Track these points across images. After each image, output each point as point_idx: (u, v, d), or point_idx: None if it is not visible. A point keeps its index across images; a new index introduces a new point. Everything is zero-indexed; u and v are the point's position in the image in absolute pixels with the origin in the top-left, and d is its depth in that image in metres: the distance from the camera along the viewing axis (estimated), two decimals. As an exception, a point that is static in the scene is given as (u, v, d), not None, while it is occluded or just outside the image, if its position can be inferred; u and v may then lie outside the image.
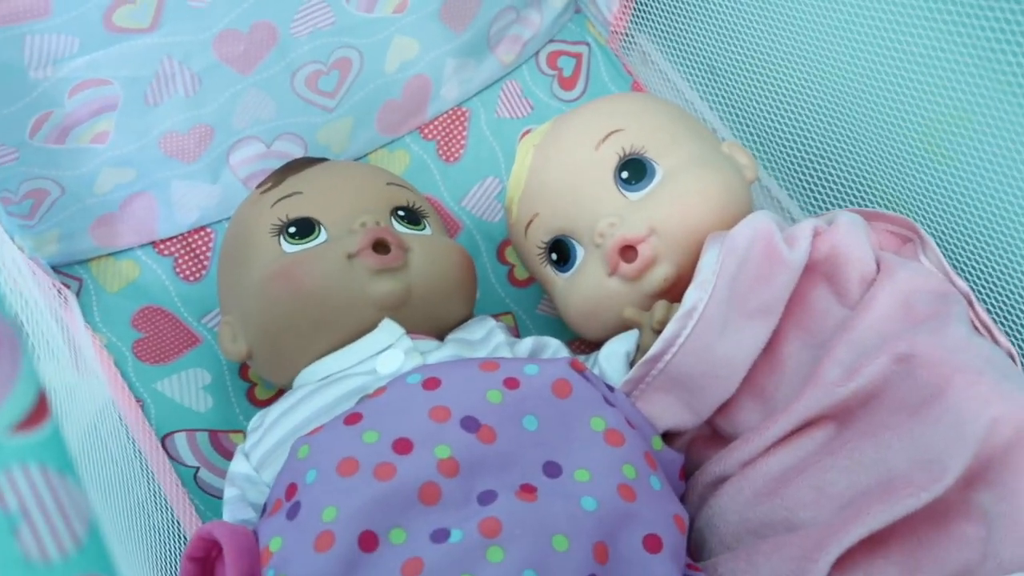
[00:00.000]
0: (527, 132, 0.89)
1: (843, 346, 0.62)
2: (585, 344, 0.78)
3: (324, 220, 0.69)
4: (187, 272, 0.82)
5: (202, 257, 0.82)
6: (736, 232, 0.64)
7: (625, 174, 0.69)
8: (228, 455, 0.72)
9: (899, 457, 0.58)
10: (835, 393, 0.60)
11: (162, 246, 0.82)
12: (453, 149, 0.89)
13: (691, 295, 0.63)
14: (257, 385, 0.78)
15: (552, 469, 0.57)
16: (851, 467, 0.59)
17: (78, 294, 0.79)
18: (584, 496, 0.55)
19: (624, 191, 0.69)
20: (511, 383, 0.60)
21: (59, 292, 0.74)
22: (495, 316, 0.83)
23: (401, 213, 0.72)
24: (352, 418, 0.58)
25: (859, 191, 0.75)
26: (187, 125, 0.76)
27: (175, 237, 0.82)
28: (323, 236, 0.69)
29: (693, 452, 0.67)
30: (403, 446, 0.56)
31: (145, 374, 0.76)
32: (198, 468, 0.73)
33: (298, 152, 0.82)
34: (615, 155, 0.70)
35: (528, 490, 0.55)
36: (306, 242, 0.68)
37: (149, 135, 0.75)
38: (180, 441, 0.74)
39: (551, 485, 0.56)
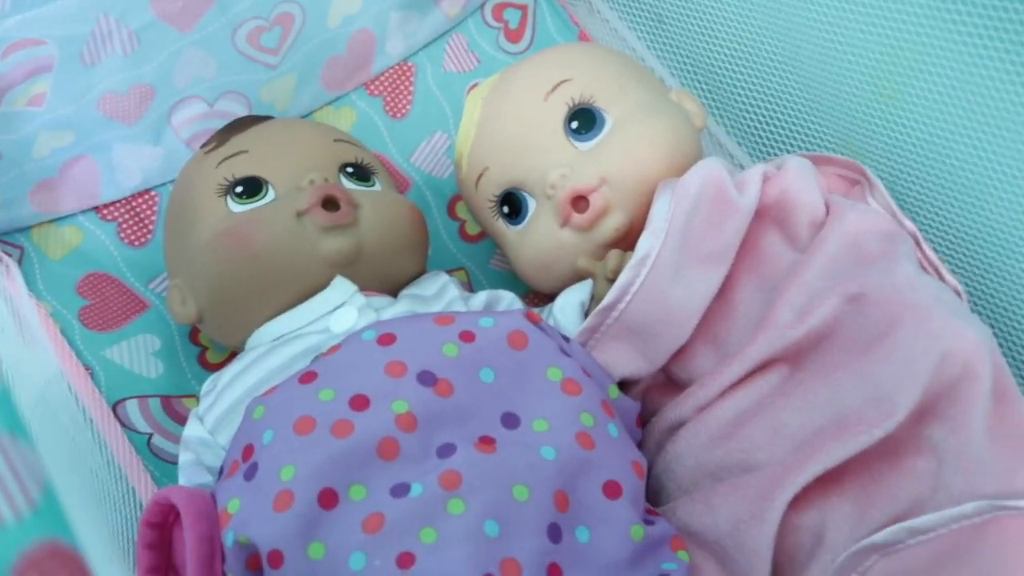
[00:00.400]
0: (474, 86, 0.88)
1: (794, 289, 0.62)
2: (539, 297, 0.78)
3: (271, 178, 0.68)
4: (132, 237, 0.80)
5: (147, 221, 0.81)
6: (687, 179, 0.64)
7: (575, 124, 0.69)
8: (181, 420, 0.71)
9: (851, 395, 0.58)
10: (787, 335, 0.61)
11: (105, 211, 0.80)
12: (400, 105, 0.88)
13: (644, 243, 0.63)
14: (208, 349, 0.77)
15: (510, 420, 0.57)
16: (804, 407, 0.59)
17: (20, 262, 0.77)
18: (543, 446, 0.56)
19: (574, 141, 0.69)
20: (467, 336, 0.60)
21: (0, 261, 0.72)
22: (448, 272, 0.83)
23: (350, 170, 0.71)
24: (307, 376, 0.58)
25: (807, 136, 0.75)
26: (126, 85, 0.74)
27: (118, 201, 0.80)
28: (271, 195, 0.68)
29: (649, 400, 0.67)
30: (360, 402, 0.56)
31: (93, 341, 0.75)
32: (151, 434, 0.72)
33: (242, 111, 0.80)
34: (564, 105, 0.69)
35: (487, 442, 0.55)
36: (253, 201, 0.67)
37: (87, 96, 0.73)
38: (132, 408, 0.73)
39: (510, 436, 0.56)
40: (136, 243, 0.80)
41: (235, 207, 0.67)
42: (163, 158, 0.79)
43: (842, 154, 0.72)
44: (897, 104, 0.67)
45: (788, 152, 0.77)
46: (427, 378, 0.57)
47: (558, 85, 0.70)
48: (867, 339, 0.60)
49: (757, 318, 0.64)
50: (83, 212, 0.79)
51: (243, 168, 0.68)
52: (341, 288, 0.65)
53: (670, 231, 0.62)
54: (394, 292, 0.69)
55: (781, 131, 0.77)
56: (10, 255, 0.76)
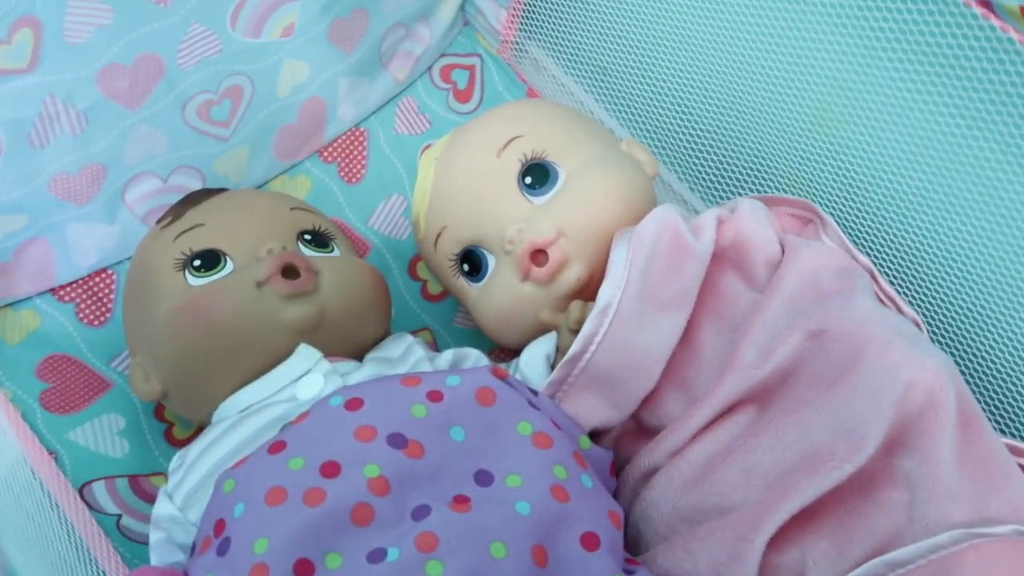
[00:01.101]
0: (427, 147, 0.88)
1: (756, 328, 0.63)
2: (505, 352, 0.78)
3: (229, 250, 0.67)
4: (91, 317, 0.79)
5: (105, 300, 0.79)
6: (642, 227, 0.65)
7: (529, 179, 0.69)
8: (150, 499, 0.69)
9: (820, 431, 0.58)
10: (753, 375, 0.61)
11: (62, 292, 0.79)
12: (355, 170, 0.88)
13: (605, 292, 0.63)
14: (175, 425, 0.76)
15: (484, 477, 0.57)
16: (775, 446, 0.59)
17: (-25, 349, 0.75)
18: (518, 501, 0.55)
19: (529, 196, 0.69)
20: (435, 396, 0.59)
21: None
22: (412, 332, 0.82)
23: (308, 237, 0.70)
24: (276, 447, 0.57)
25: (757, 178, 0.76)
26: (77, 165, 0.73)
27: (75, 282, 0.79)
28: (229, 267, 0.67)
29: (621, 448, 0.67)
30: (331, 469, 0.55)
31: (56, 425, 0.73)
32: (120, 515, 0.70)
33: (196, 185, 0.79)
34: (517, 161, 0.70)
35: (461, 501, 0.55)
36: (212, 274, 0.66)
37: (38, 178, 0.72)
38: (99, 490, 0.71)
39: (484, 493, 0.56)
40: (95, 323, 0.79)
41: (194, 281, 0.66)
42: (118, 236, 0.78)
43: (793, 194, 0.73)
44: (842, 142, 0.68)
45: (740, 195, 0.78)
46: (397, 440, 0.56)
47: (510, 142, 0.70)
48: (831, 374, 0.60)
49: (722, 360, 0.64)
50: (39, 295, 0.78)
51: (200, 241, 0.68)
52: (306, 355, 0.65)
53: (629, 279, 0.63)
54: (359, 356, 0.69)
55: (732, 174, 0.78)
56: (-34, 342, 0.75)
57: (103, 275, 0.80)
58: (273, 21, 0.77)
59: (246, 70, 0.78)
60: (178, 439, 0.75)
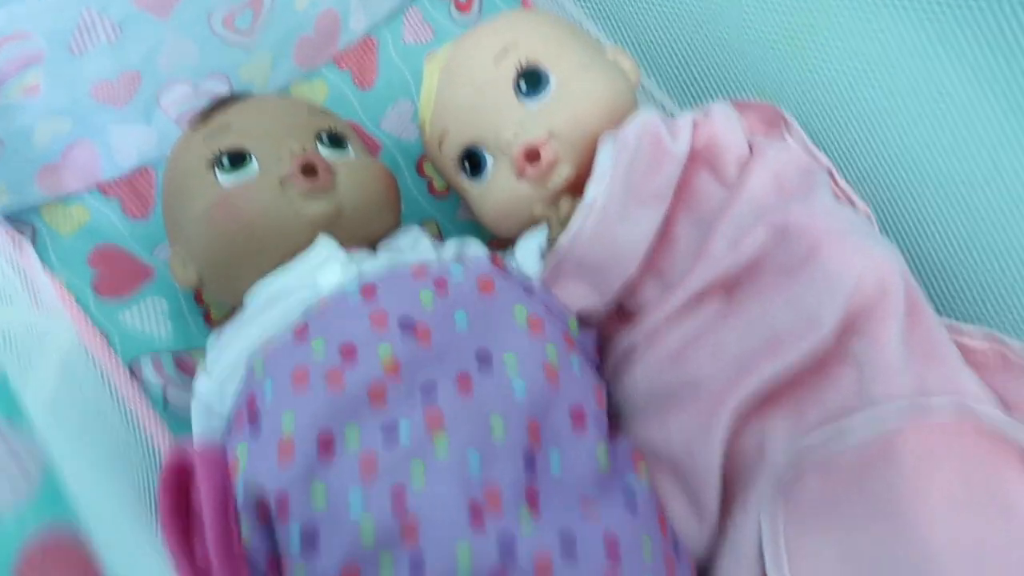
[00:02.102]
0: (431, 54, 0.83)
1: (726, 222, 0.60)
2: (502, 242, 0.75)
3: (254, 149, 0.64)
4: (134, 210, 0.76)
5: (146, 196, 0.76)
6: (626, 130, 0.61)
7: (523, 85, 0.65)
8: (191, 372, 0.68)
9: (782, 315, 0.57)
10: (721, 264, 0.59)
11: (107, 188, 0.75)
12: (366, 76, 0.83)
13: (591, 189, 0.60)
14: (212, 308, 0.73)
15: (483, 355, 0.55)
16: (741, 328, 0.58)
17: (33, 241, 0.72)
18: (514, 379, 0.53)
19: (524, 101, 0.65)
20: (440, 284, 0.57)
21: (12, 240, 0.68)
22: (420, 225, 0.80)
23: (324, 138, 0.67)
24: (300, 331, 0.55)
25: (730, 85, 0.72)
26: (115, 72, 0.69)
27: (118, 179, 0.75)
28: (254, 164, 0.64)
29: (605, 330, 0.65)
30: (348, 351, 0.53)
31: (106, 308, 0.71)
32: (165, 386, 0.69)
33: (224, 90, 0.75)
34: (513, 68, 0.65)
35: (464, 378, 0.53)
36: (238, 171, 0.63)
37: (80, 85, 0.68)
38: (146, 365, 0.69)
39: (484, 370, 0.54)
40: (138, 216, 0.75)
41: (223, 178, 0.63)
42: (156, 137, 0.74)
43: (760, 99, 0.69)
44: (808, 49, 0.64)
45: (713, 100, 0.74)
46: (407, 323, 0.54)
47: (506, 50, 0.66)
48: (793, 264, 0.58)
49: (695, 251, 0.61)
50: (88, 191, 0.75)
51: (228, 142, 0.64)
52: (325, 246, 0.62)
53: (613, 177, 0.60)
54: (373, 246, 0.66)
55: (706, 82, 0.74)
56: (24, 232, 0.72)
57: (143, 172, 0.76)
58: (287, -64, 0.72)
59: (265, -17, 0.73)
60: (215, 320, 0.73)
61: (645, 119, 0.62)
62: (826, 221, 0.57)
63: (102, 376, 0.64)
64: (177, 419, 0.67)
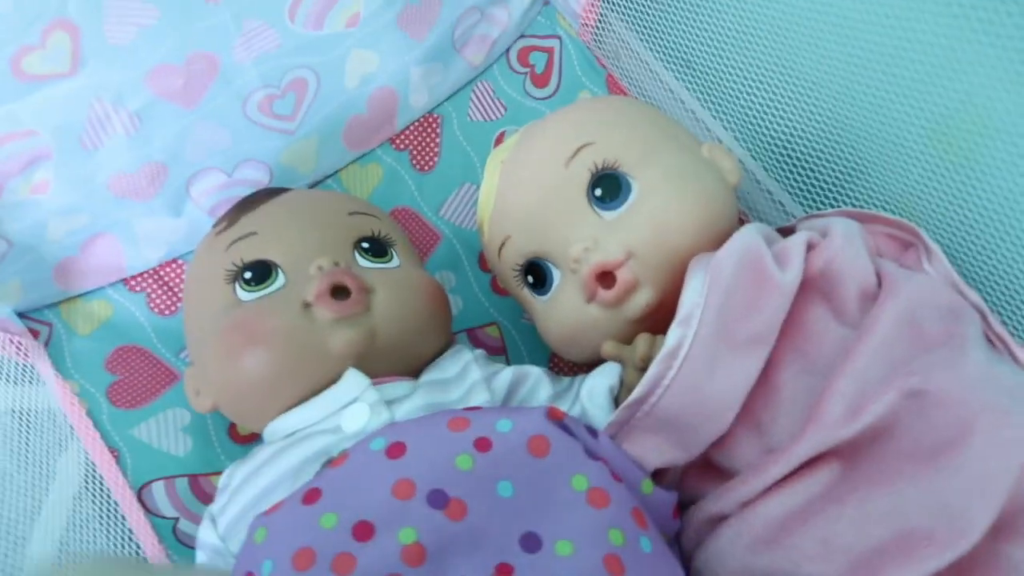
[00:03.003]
0: (503, 134, 0.74)
1: (845, 377, 0.48)
2: (568, 362, 0.64)
3: (281, 262, 0.55)
4: (161, 306, 0.68)
5: (175, 289, 0.68)
6: (721, 257, 0.50)
7: (599, 192, 0.55)
8: (209, 500, 0.59)
9: (916, 508, 0.45)
10: (838, 434, 0.47)
11: (132, 282, 0.68)
12: (427, 157, 0.74)
13: (674, 333, 0.48)
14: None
15: (530, 542, 0.44)
16: (861, 518, 0.46)
17: (48, 341, 0.65)
18: (567, 574, 0.42)
19: (598, 210, 0.55)
20: (483, 444, 0.46)
21: (18, 346, 0.61)
22: (480, 327, 0.70)
23: (365, 245, 0.57)
24: (310, 495, 0.45)
25: (856, 187, 0.60)
26: (135, 165, 0.61)
27: (145, 272, 0.68)
28: (280, 280, 0.55)
29: (687, 485, 0.53)
30: (364, 531, 0.43)
31: (121, 420, 0.63)
32: (177, 519, 0.60)
33: (262, 178, 0.67)
34: (587, 172, 0.55)
35: (504, 572, 0.42)
36: (262, 288, 0.54)
37: (96, 180, 0.61)
38: (158, 491, 0.61)
39: (530, 562, 0.43)
40: (166, 312, 0.68)
41: (244, 295, 0.55)
42: (186, 229, 0.67)
43: (894, 212, 0.56)
44: (960, 159, 0.51)
45: (834, 202, 0.61)
46: (438, 499, 0.44)
47: (580, 149, 0.55)
48: (933, 445, 0.45)
49: (804, 404, 0.50)
50: (111, 285, 0.67)
51: (252, 252, 0.56)
52: (354, 382, 0.52)
53: (703, 319, 0.48)
54: (415, 372, 0.56)
55: (827, 178, 0.61)
56: (39, 332, 0.65)
57: (173, 265, 0.69)
58: (336, 12, 0.63)
59: (310, 63, 0.64)
60: (242, 435, 0.64)
61: (746, 241, 0.50)
62: (980, 391, 0.45)
63: (109, 500, 0.56)
64: (186, 556, 0.59)
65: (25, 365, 0.62)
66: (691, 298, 0.49)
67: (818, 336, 0.51)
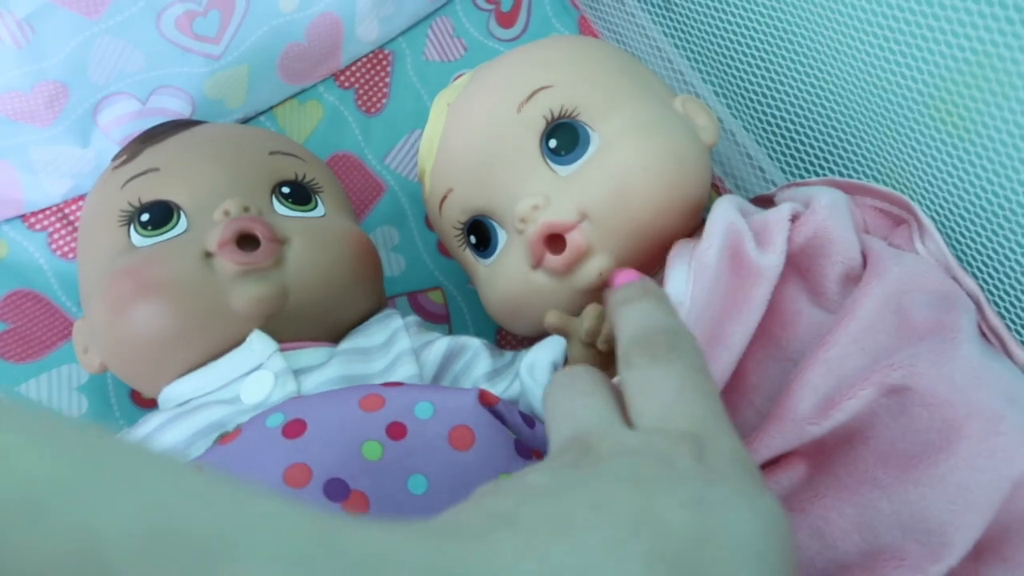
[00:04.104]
0: (460, 76, 0.66)
1: (818, 367, 0.42)
2: (514, 337, 0.58)
3: (184, 204, 0.48)
4: (65, 248, 0.61)
5: (82, 231, 0.61)
6: (705, 247, 0.44)
7: (553, 143, 0.48)
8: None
9: (887, 522, 0.40)
10: (806, 431, 0.41)
11: (33, 219, 0.61)
12: (375, 98, 0.67)
13: None
14: (140, 383, 0.58)
15: (444, 541, 0.38)
16: (825, 530, 0.41)
17: (-69, 281, 0.58)
18: None
19: (552, 164, 0.48)
20: (396, 431, 0.40)
21: None
22: (422, 291, 0.63)
23: (285, 190, 0.51)
24: (193, 475, 0.39)
25: (844, 154, 0.53)
26: (29, 82, 0.53)
27: (48, 209, 0.61)
28: (182, 225, 0.48)
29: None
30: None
31: (8, 374, 0.57)
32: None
33: (182, 108, 0.59)
34: (541, 119, 0.48)
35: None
36: (160, 234, 0.48)
37: (-19, 95, 0.53)
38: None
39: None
40: (70, 255, 0.61)
41: (138, 240, 0.48)
42: (95, 161, 0.59)
43: (885, 184, 0.50)
44: (961, 129, 0.44)
45: (819, 168, 0.55)
46: (337, 490, 0.38)
47: (535, 92, 0.49)
48: (912, 451, 0.40)
49: (770, 393, 0.44)
50: (7, 221, 0.60)
51: (152, 190, 0.49)
52: (258, 347, 0.46)
53: (688, 318, 0.42)
54: (337, 336, 0.50)
55: (813, 144, 0.55)
56: (-79, 271, 0.58)
57: (79, 202, 0.61)
58: (269, -81, 0.55)
59: (237, -23, 0.56)
60: (146, 400, 0.58)
61: (725, 225, 0.44)
62: (971, 391, 0.40)
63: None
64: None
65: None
66: (675, 291, 0.43)
67: (791, 319, 0.45)
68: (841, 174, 0.53)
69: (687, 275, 0.43)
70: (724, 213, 0.44)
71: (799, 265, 0.46)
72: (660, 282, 0.49)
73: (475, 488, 0.39)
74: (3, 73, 0.52)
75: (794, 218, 0.46)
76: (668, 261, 0.45)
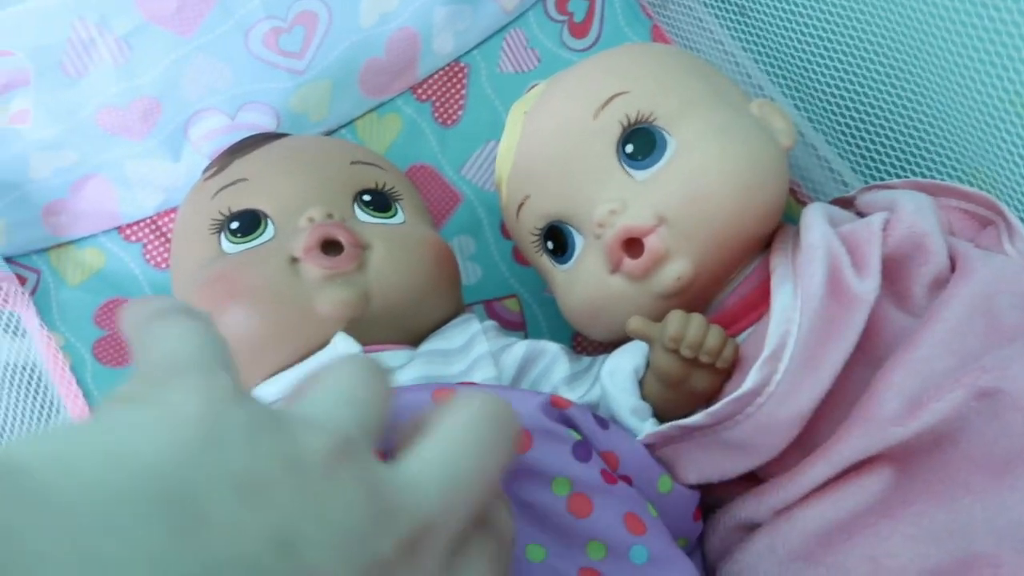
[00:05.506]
0: (534, 86, 0.67)
1: (903, 368, 0.41)
2: (592, 341, 0.58)
3: (271, 212, 0.50)
4: (158, 258, 0.63)
5: (173, 242, 0.63)
6: (809, 273, 0.43)
7: (630, 148, 0.48)
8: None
9: (982, 528, 0.38)
10: (891, 434, 0.40)
11: (128, 231, 0.63)
12: (450, 110, 0.68)
13: (759, 371, 0.42)
14: (228, 388, 0.60)
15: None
16: (917, 536, 0.40)
17: (35, 289, 0.61)
18: None
19: (629, 169, 0.48)
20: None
21: (5, 297, 0.56)
22: (498, 299, 0.64)
23: (366, 198, 0.52)
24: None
25: (926, 158, 0.52)
26: (125, 99, 0.56)
27: (142, 221, 0.63)
28: (269, 232, 0.49)
29: (713, 485, 0.47)
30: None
31: (105, 378, 0.59)
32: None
33: (268, 123, 0.61)
34: (618, 124, 0.48)
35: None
36: (249, 240, 0.49)
37: (81, 112, 0.56)
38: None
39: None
40: (163, 265, 0.63)
41: (228, 247, 0.49)
42: (186, 175, 0.61)
43: (970, 185, 0.49)
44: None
45: (901, 175, 0.54)
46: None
47: (611, 99, 0.49)
48: (1006, 455, 0.39)
49: (853, 399, 0.43)
50: (104, 232, 0.63)
51: (241, 200, 0.50)
52: (342, 349, 0.47)
53: (796, 349, 0.42)
54: (416, 340, 0.51)
55: (893, 149, 0.54)
56: (25, 279, 0.61)
57: (172, 215, 0.64)
58: (352, -62, 0.57)
59: (320, -7, 0.58)
60: (233, 402, 0.59)
61: (827, 248, 0.44)
62: (1068, 395, 0.38)
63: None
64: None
65: (11, 314, 0.58)
66: (780, 323, 0.42)
67: (876, 323, 0.44)
68: (922, 176, 0.52)
69: (794, 301, 0.43)
70: (820, 230, 0.44)
71: (887, 272, 0.45)
72: (735, 286, 0.49)
73: (532, 488, 0.39)
74: (103, 90, 0.54)
75: (885, 226, 0.45)
76: (772, 280, 0.45)
